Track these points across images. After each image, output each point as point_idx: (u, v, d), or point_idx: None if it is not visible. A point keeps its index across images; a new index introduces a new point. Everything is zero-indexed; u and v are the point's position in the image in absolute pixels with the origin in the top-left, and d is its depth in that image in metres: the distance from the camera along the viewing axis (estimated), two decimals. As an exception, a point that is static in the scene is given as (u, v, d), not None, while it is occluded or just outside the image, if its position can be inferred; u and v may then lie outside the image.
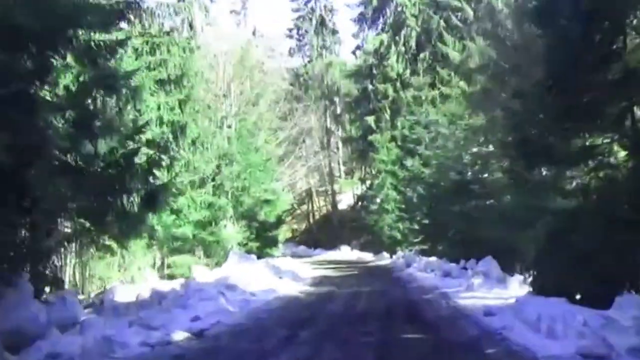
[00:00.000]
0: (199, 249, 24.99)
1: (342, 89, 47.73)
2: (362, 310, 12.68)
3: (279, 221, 27.02)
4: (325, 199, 51.37)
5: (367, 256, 37.93)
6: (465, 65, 25.60)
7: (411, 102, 32.07)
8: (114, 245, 12.59)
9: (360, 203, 45.55)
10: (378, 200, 35.57)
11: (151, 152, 13.65)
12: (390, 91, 40.16)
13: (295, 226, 53.48)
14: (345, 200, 51.01)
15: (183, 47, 17.77)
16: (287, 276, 23.43)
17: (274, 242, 26.74)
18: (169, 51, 16.28)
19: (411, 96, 33.06)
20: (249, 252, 25.60)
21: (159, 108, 14.80)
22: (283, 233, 31.74)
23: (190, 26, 30.44)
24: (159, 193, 10.94)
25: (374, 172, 37.34)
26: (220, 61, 27.46)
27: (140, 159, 10.88)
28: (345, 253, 41.20)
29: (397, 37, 40.74)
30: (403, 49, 40.98)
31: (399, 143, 32.15)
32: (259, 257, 25.11)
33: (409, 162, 28.98)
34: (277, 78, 46.68)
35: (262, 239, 26.06)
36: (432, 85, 31.44)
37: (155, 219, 13.35)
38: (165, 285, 14.64)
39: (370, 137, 39.30)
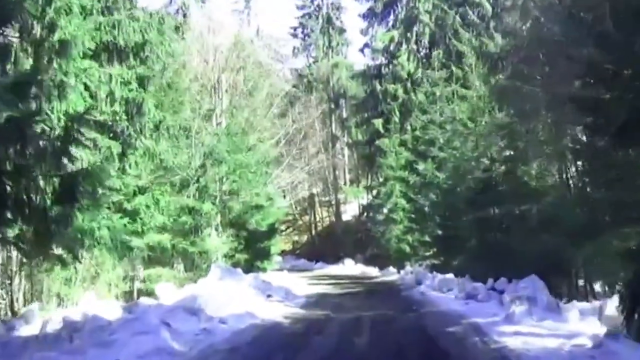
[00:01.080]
0: (180, 260, 22.08)
1: (349, 91, 44.57)
2: (362, 352, 9.33)
3: (272, 230, 23.76)
4: (328, 209, 48.09)
5: (373, 271, 34.57)
6: (486, 56, 22.38)
7: (423, 101, 28.83)
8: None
9: (365, 213, 42.24)
10: (385, 209, 32.28)
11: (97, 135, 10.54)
12: (401, 92, 36.97)
13: (296, 238, 50.23)
14: (350, 211, 47.73)
15: (158, 19, 14.55)
16: (277, 294, 20.20)
17: (265, 254, 23.49)
18: (133, 18, 13.09)
19: (424, 92, 29.83)
20: (236, 265, 22.40)
21: (110, 81, 11.62)
22: (278, 244, 28.44)
23: (184, 16, 27.54)
24: (78, 180, 7.75)
25: (381, 179, 34.04)
26: (210, 49, 24.38)
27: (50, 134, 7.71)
28: (349, 267, 37.84)
29: (408, 34, 37.62)
30: (415, 47, 37.87)
31: (410, 146, 28.93)
32: (247, 271, 21.88)
33: (420, 166, 25.75)
34: (280, 80, 43.66)
35: (252, 251, 22.83)
36: (448, 81, 28.24)
37: (91, 219, 10.10)
38: (112, 308, 11.42)
39: (377, 142, 36.08)
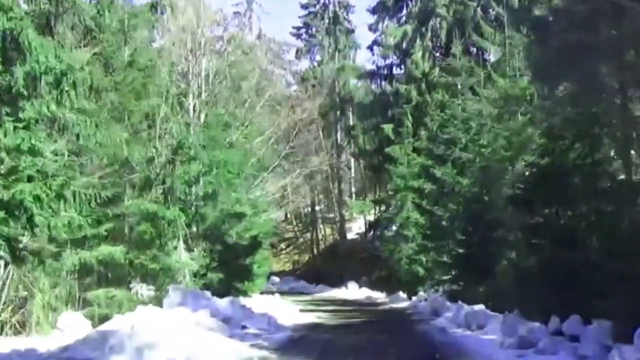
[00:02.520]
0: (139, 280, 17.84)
1: (356, 97, 40.28)
2: None
3: (255, 245, 19.31)
4: (332, 226, 43.61)
5: (379, 296, 30.01)
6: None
7: (442, 96, 24.49)
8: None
9: (372, 231, 37.73)
10: (395, 225, 27.84)
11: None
12: (414, 94, 32.68)
13: (296, 257, 45.80)
14: (355, 229, 43.24)
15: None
16: (255, 325, 15.89)
17: (246, 274, 19.04)
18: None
19: (444, 83, 25.52)
20: (208, 286, 18.02)
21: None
22: (266, 262, 24.04)
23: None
24: None
25: (390, 192, 29.59)
26: (187, 27, 20.24)
27: None
28: (353, 291, 33.28)
29: (423, 29, 33.42)
30: (430, 44, 33.66)
31: (424, 152, 24.54)
32: (223, 294, 17.46)
33: (438, 172, 21.33)
34: (282, 85, 39.51)
35: (229, 269, 18.42)
36: (471, 71, 23.95)
37: None
38: None
39: (387, 150, 31.70)
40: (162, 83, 17.95)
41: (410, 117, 32.24)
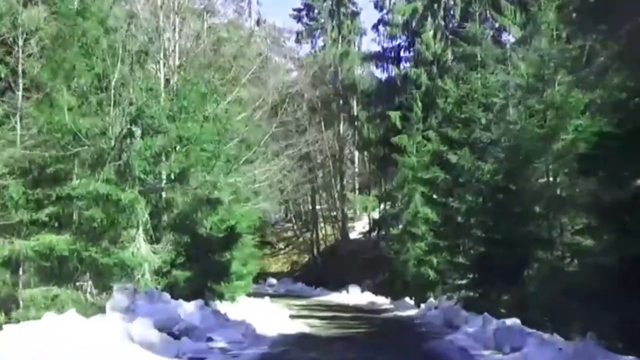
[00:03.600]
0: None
1: (360, 85, 36.89)
2: None
3: (231, 237, 15.97)
4: (333, 225, 40.29)
5: (383, 302, 26.71)
6: None
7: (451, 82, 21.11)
8: None
9: (377, 230, 34.38)
10: (402, 223, 24.53)
11: None
12: (424, 78, 29.43)
13: (295, 258, 42.49)
14: (359, 228, 39.89)
15: None
16: (227, 337, 12.83)
17: (221, 273, 15.72)
18: None
19: (461, 53, 22.16)
20: (173, 286, 14.81)
21: None
22: (252, 260, 20.83)
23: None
24: None
25: (396, 185, 26.19)
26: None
27: None
28: (354, 295, 29.94)
29: (435, 5, 30.15)
30: (442, 22, 30.36)
31: (437, 130, 21.26)
32: (195, 297, 14.22)
33: (453, 158, 18.02)
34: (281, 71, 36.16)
35: (200, 267, 15.16)
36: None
37: None
38: None
39: (393, 139, 28.37)
40: (120, 39, 14.74)
41: (419, 104, 28.84)
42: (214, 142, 16.04)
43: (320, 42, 41.06)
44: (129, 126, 14.53)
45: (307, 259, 41.17)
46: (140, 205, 14.31)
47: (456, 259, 18.39)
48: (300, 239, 42.57)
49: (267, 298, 22.84)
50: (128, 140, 14.82)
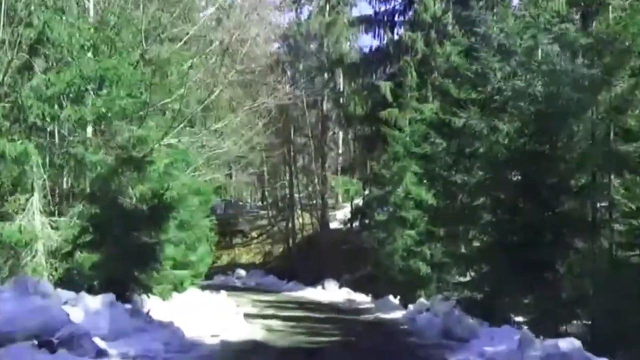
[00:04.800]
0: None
1: (348, 58, 32.87)
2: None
3: (158, 211, 11.82)
4: (311, 213, 36.28)
5: (364, 300, 22.84)
6: None
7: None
8: None
9: (359, 218, 30.47)
10: (389, 207, 20.62)
11: None
12: (421, 44, 25.50)
13: (268, 248, 38.52)
14: (341, 217, 35.91)
15: None
16: (132, 348, 8.77)
17: (146, 259, 11.70)
18: None
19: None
20: (79, 271, 10.83)
21: None
22: (202, 243, 16.84)
23: None
24: None
25: (385, 164, 22.19)
26: None
27: None
28: (331, 292, 26.07)
29: (437, -38, 26.21)
30: (444, -19, 26.43)
31: (439, 89, 17.43)
32: (109, 289, 10.24)
33: (459, 120, 14.14)
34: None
35: (118, 249, 11.16)
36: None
37: None
38: None
39: (383, 113, 24.47)
40: None
41: (414, 73, 25.05)
42: (145, 86, 12.03)
43: (306, 12, 36.94)
44: (25, 55, 10.52)
45: (281, 249, 37.22)
46: (35, 161, 10.32)
47: (457, 250, 14.58)
48: (275, 228, 38.54)
49: (223, 292, 18.99)
50: (25, 75, 10.81)
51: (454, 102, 14.95)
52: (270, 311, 18.59)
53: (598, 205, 10.49)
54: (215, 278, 33.40)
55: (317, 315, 17.58)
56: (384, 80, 26.62)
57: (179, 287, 14.26)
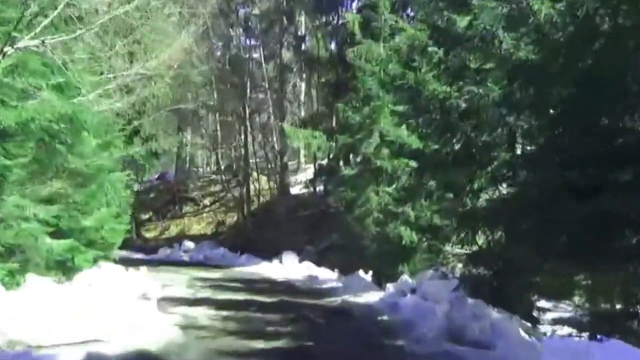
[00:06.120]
0: None
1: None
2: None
3: None
4: (270, 178, 31.71)
5: (328, 277, 18.45)
6: None
7: None
8: None
9: (323, 180, 25.96)
10: (359, 158, 16.21)
11: None
12: (395, -34, 20.92)
13: (221, 217, 33.94)
14: (303, 179, 31.47)
15: None
16: None
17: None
18: None
19: None
20: None
21: None
22: (101, 206, 12.15)
23: None
24: None
25: (354, 106, 17.61)
26: None
27: None
28: (289, 267, 21.68)
29: None
30: None
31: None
32: None
33: (463, 21, 9.67)
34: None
35: None
36: None
37: None
38: None
39: (351, 51, 19.80)
40: None
41: (387, 3, 20.46)
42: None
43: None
44: None
45: (235, 218, 32.69)
46: None
47: (457, 207, 10.24)
48: (229, 195, 33.93)
49: (143, 269, 14.53)
50: None
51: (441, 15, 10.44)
52: (206, 294, 14.20)
53: None
54: (160, 252, 29.25)
55: (266, 299, 13.18)
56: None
57: (53, 263, 9.65)
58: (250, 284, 16.76)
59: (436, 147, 10.91)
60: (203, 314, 10.73)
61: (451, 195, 10.76)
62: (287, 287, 16.53)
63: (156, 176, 40.91)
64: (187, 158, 39.60)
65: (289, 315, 10.69)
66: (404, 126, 13.27)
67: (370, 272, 15.09)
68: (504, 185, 9.68)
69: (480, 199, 10.00)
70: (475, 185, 10.00)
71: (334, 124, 23.85)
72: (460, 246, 10.19)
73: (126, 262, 17.23)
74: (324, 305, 12.36)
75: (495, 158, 9.53)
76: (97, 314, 8.77)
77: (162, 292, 13.83)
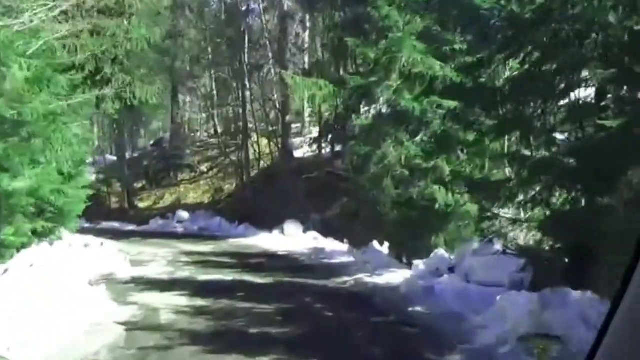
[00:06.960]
0: None
1: None
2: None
3: None
4: (271, 140, 28.66)
5: (337, 249, 15.30)
6: None
7: None
8: None
9: (330, 139, 22.94)
10: (376, 107, 13.13)
11: None
12: None
13: (219, 184, 31.00)
14: (308, 143, 28.41)
15: None
16: None
17: None
18: None
19: None
20: None
21: None
22: (43, 163, 9.18)
23: None
24: None
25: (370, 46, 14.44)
26: None
27: None
28: (292, 238, 18.82)
29: None
30: None
31: None
32: None
33: None
34: None
35: None
36: None
37: None
38: None
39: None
40: None
41: None
42: None
43: None
44: None
45: (234, 185, 29.79)
46: None
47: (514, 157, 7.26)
48: (227, 160, 30.95)
49: (107, 242, 11.83)
50: None
51: None
52: (186, 273, 11.41)
53: None
54: (152, 222, 26.59)
55: (259, 279, 10.32)
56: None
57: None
58: (244, 259, 13.94)
59: (482, 79, 7.90)
60: (170, 305, 7.90)
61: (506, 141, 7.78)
62: (288, 262, 13.65)
63: (151, 142, 38.65)
64: (183, 120, 36.86)
65: (286, 305, 7.81)
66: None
67: (387, 245, 12.19)
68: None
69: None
70: (548, 123, 7.00)
71: (341, 73, 20.65)
72: (522, 210, 7.27)
73: (109, 234, 14.49)
74: (334, 289, 9.44)
75: (579, 81, 6.53)
76: (12, 309, 5.99)
77: (132, 271, 11.07)
